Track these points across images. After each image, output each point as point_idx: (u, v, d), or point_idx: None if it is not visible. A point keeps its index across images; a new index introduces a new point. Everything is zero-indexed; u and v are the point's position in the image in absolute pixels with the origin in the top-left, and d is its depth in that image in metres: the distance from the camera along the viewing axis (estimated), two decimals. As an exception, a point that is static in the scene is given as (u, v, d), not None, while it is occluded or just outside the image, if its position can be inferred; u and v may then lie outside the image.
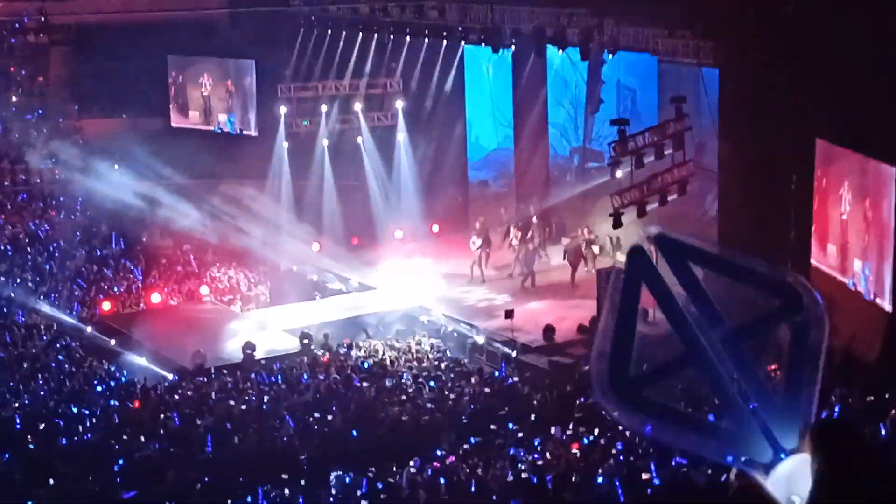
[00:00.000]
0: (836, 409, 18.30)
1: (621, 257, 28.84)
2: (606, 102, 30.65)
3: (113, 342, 25.45)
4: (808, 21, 22.46)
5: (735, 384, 5.35)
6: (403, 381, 22.33)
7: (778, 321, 5.00)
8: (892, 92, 20.47)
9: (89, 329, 26.25)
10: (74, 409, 20.86)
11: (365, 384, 21.91)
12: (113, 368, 24.00)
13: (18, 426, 20.35)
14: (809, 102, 23.01)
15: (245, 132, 35.93)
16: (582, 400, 20.71)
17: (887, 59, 20.55)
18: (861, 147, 21.31)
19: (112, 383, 22.84)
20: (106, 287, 28.99)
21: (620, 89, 29.98)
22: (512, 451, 18.22)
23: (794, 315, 4.86)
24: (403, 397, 21.22)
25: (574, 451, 18.07)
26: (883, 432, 16.80)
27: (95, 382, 22.70)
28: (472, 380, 22.30)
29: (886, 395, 18.31)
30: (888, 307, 20.50)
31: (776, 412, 5.36)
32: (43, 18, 30.04)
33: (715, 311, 5.00)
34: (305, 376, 22.70)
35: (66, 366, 23.59)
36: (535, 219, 30.58)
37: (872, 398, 18.46)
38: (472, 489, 16.94)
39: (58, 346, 24.93)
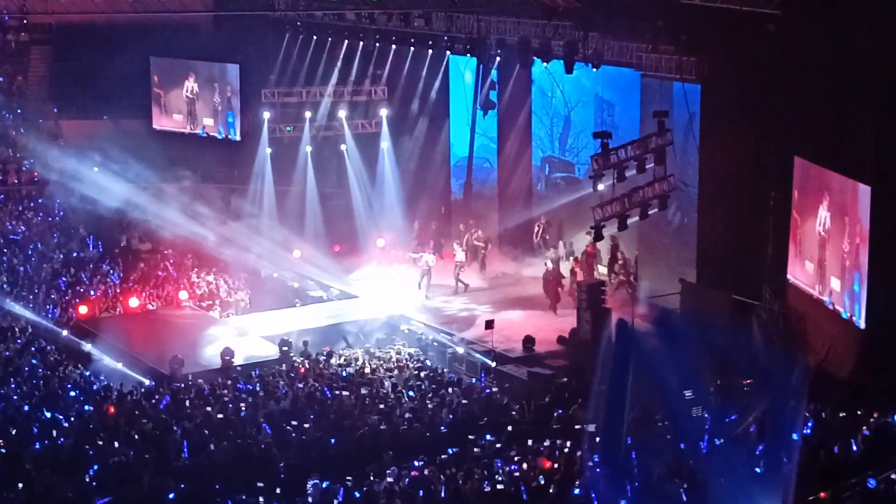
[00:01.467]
0: (809, 425, 18.43)
1: (603, 269, 29.13)
2: (584, 116, 30.70)
3: (89, 346, 25.28)
4: (788, 40, 22.62)
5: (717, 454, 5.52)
6: (383, 389, 22.33)
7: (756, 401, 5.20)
8: (870, 112, 20.67)
9: (65, 332, 26.06)
10: (48, 414, 20.71)
11: (344, 392, 21.89)
12: (88, 373, 23.84)
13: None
14: (789, 120, 23.20)
15: (228, 137, 35.85)
16: (560, 412, 20.79)
17: (866, 79, 20.74)
18: (838, 166, 21.48)
19: (87, 388, 22.69)
20: (83, 290, 28.82)
21: (599, 102, 30.08)
22: (488, 462, 18.28)
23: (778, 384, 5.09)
24: (382, 406, 21.22)
25: (550, 462, 18.14)
26: (854, 448, 16.95)
27: (70, 387, 22.53)
28: (451, 389, 22.32)
29: (858, 412, 18.46)
30: (862, 324, 20.66)
31: (758, 481, 5.51)
32: (24, 18, 29.74)
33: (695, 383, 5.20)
34: (283, 384, 22.66)
35: (41, 369, 23.39)
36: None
37: (844, 414, 18.60)
38: (449, 499, 16.97)
39: (32, 349, 24.71)
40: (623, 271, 28.59)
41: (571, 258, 29.77)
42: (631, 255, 29.25)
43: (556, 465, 18.05)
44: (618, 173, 25.11)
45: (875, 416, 18.19)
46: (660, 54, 25.97)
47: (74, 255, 31.25)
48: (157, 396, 22.04)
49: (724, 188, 25.25)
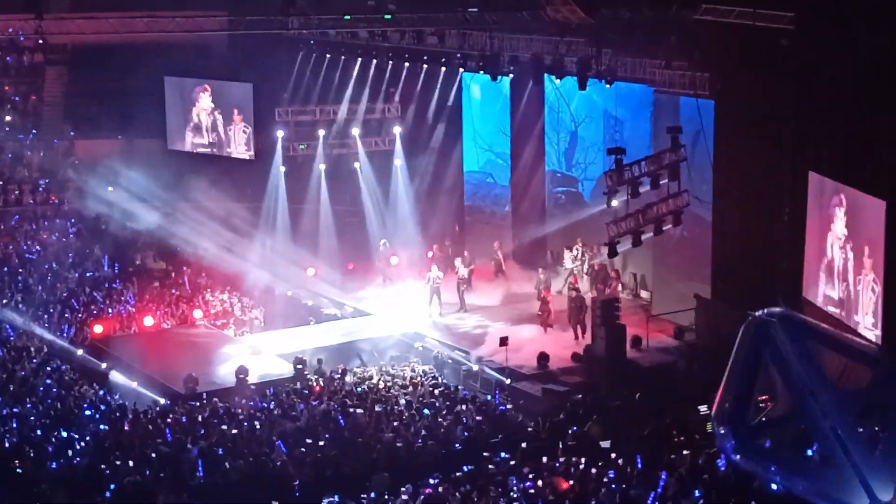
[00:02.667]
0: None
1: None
2: (592, 131, 30.70)
3: (104, 365, 25.32)
4: (802, 54, 22.60)
5: (839, 440, 5.69)
6: (397, 407, 22.29)
7: (879, 394, 5.30)
8: (885, 126, 20.62)
9: (80, 352, 26.11)
10: (64, 433, 20.75)
11: (359, 410, 21.87)
12: (103, 392, 23.89)
13: (7, 450, 20.25)
14: (803, 135, 23.16)
15: (247, 156, 35.95)
16: (574, 428, 20.72)
17: (880, 93, 20.69)
18: (853, 181, 21.41)
19: (102, 407, 22.72)
20: (98, 310, 28.90)
21: (607, 119, 30.09)
22: (503, 479, 18.23)
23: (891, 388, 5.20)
24: (397, 423, 21.19)
25: (567, 480, 18.08)
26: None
27: (85, 406, 22.58)
28: (465, 407, 22.28)
29: (875, 429, 18.32)
30: (878, 338, 20.56)
31: (874, 467, 5.67)
32: (40, 38, 29.99)
33: (824, 378, 5.33)
34: (299, 401, 22.64)
35: (56, 389, 23.44)
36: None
37: (861, 430, 18.47)
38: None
39: (48, 368, 24.76)
40: (614, 288, 28.19)
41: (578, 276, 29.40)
42: (639, 272, 29.17)
43: (572, 483, 18.01)
44: (632, 189, 25.07)
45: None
46: (673, 70, 25.97)
47: (89, 274, 31.33)
48: (171, 415, 22.06)
49: (739, 203, 25.18)
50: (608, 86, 27.10)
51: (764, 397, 20.79)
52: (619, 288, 28.44)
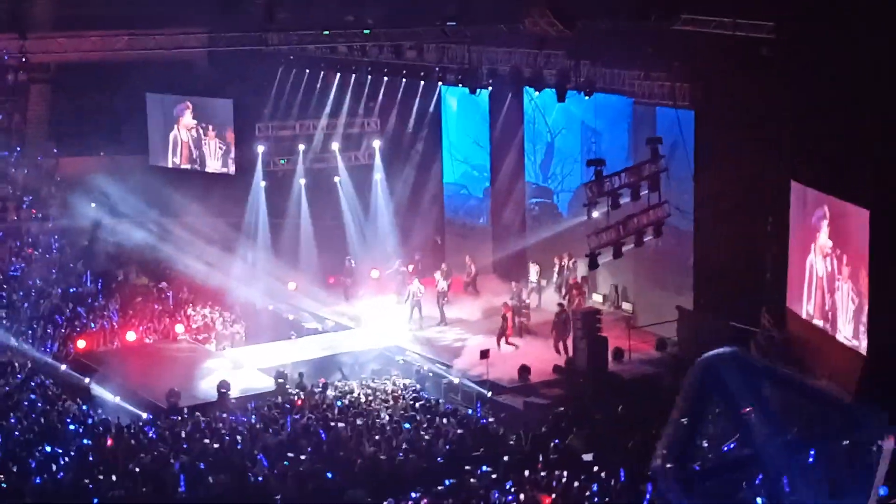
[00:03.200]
0: (812, 452, 18.30)
1: (597, 297, 29.02)
2: (569, 143, 30.76)
3: (87, 380, 25.28)
4: (782, 64, 22.67)
5: (789, 488, 5.64)
6: (379, 421, 22.23)
7: (838, 438, 5.27)
8: (867, 135, 20.66)
9: (63, 367, 26.05)
10: (48, 448, 20.65)
11: (340, 424, 21.80)
12: (87, 407, 23.82)
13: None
14: (784, 144, 23.20)
15: (223, 171, 35.91)
16: (556, 441, 20.68)
17: (862, 102, 20.75)
18: (836, 190, 21.44)
19: (86, 421, 22.64)
20: (81, 325, 28.80)
21: (585, 130, 30.16)
22: (485, 493, 18.17)
23: (852, 435, 5.20)
24: (378, 437, 21.12)
25: (549, 493, 18.03)
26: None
27: (69, 421, 22.50)
28: (447, 420, 22.22)
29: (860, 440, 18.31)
30: (864, 350, 20.55)
31: None
32: (23, 57, 30.04)
33: (779, 424, 5.30)
34: (280, 415, 22.57)
35: (40, 404, 23.36)
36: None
37: (847, 441, 18.45)
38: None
39: (32, 384, 24.69)
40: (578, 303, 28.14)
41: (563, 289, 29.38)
42: (621, 283, 29.17)
43: (554, 497, 17.95)
44: (612, 201, 25.11)
45: (879, 442, 18.05)
46: (652, 81, 26.03)
47: (73, 290, 31.25)
48: (154, 430, 21.97)
49: (721, 214, 25.22)
50: (587, 97, 27.19)
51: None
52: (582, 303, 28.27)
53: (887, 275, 20.16)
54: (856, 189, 20.86)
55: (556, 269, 30.14)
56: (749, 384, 4.96)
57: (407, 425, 21.74)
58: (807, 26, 22.00)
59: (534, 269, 30.26)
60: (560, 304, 27.47)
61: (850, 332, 21.03)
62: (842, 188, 21.27)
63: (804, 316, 22.73)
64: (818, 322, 22.22)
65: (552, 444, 20.62)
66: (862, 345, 20.62)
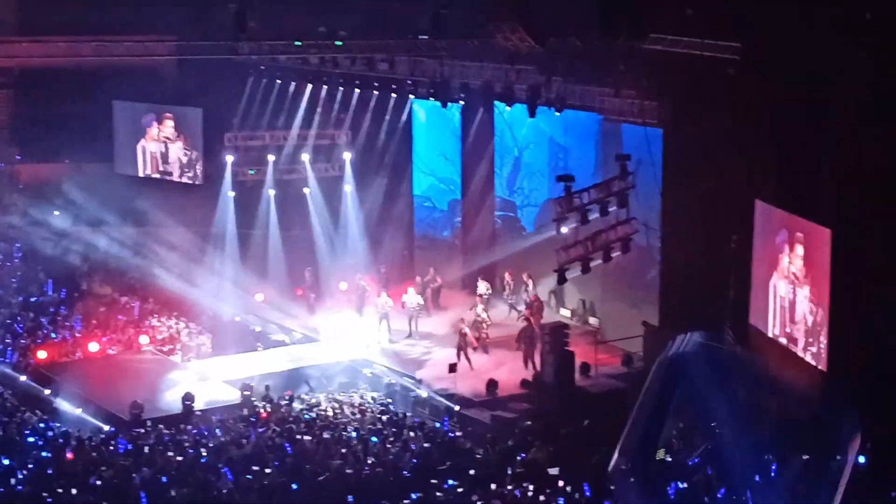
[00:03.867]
0: (773, 468, 18.48)
1: (565, 312, 29.07)
2: (538, 158, 30.86)
3: (47, 392, 24.99)
4: (748, 84, 22.87)
5: (749, 483, 5.49)
6: (345, 434, 22.16)
7: (806, 440, 5.20)
8: (829, 155, 20.91)
9: (23, 378, 25.76)
10: (6, 461, 20.41)
11: (306, 437, 21.72)
12: (47, 419, 23.57)
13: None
14: (749, 163, 23.41)
15: (191, 180, 35.75)
16: (523, 455, 20.71)
17: (826, 122, 21.00)
18: (799, 209, 21.67)
19: (46, 434, 22.40)
20: (42, 335, 28.52)
21: (552, 145, 30.29)
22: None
23: (821, 436, 5.12)
24: (345, 450, 21.06)
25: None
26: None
27: (28, 433, 22.26)
28: (414, 433, 22.19)
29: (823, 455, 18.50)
30: (823, 366, 20.75)
31: None
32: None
33: (742, 418, 5.20)
34: (245, 428, 22.44)
35: (-2, 416, 23.15)
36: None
37: (808, 456, 18.64)
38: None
39: (-10, 394, 24.48)
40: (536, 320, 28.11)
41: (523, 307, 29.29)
42: (588, 299, 29.25)
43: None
44: (581, 216, 25.19)
45: (838, 457, 18.24)
46: (622, 98, 26.18)
47: (34, 299, 30.95)
48: (114, 442, 21.78)
49: (686, 231, 25.38)
50: (557, 113, 27.30)
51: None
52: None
53: (848, 292, 20.40)
54: (818, 208, 21.10)
55: (508, 285, 30.13)
56: (718, 381, 4.87)
57: (374, 439, 21.70)
58: (772, 47, 22.23)
59: (483, 285, 30.25)
60: (527, 319, 27.50)
61: (812, 349, 21.20)
62: (805, 207, 21.51)
63: (767, 333, 22.90)
64: (780, 339, 22.40)
65: (519, 458, 20.66)
66: (822, 363, 20.81)
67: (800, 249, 21.73)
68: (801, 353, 21.64)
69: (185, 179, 35.72)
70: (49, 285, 31.81)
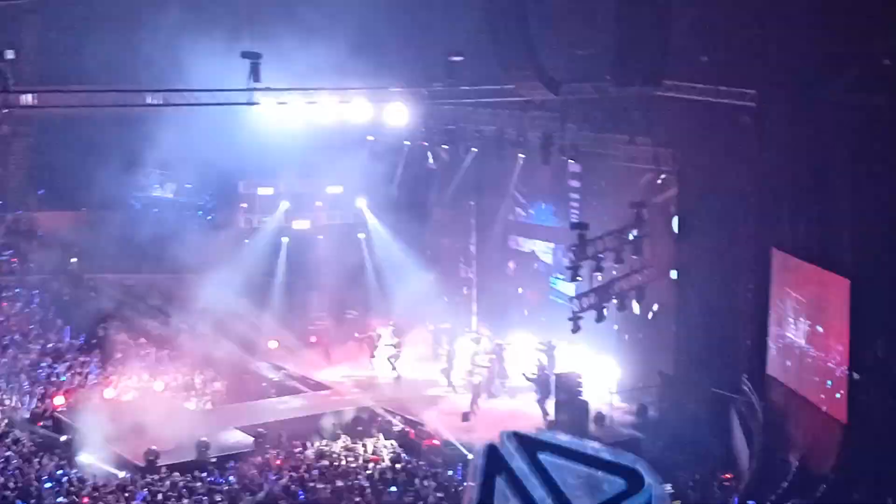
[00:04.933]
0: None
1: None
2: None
3: (64, 438, 24.98)
4: (764, 131, 22.89)
5: None
6: (357, 482, 22.04)
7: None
8: (846, 205, 20.83)
9: (40, 424, 25.77)
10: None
11: (319, 485, 21.60)
12: (63, 464, 23.54)
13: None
14: (766, 211, 23.36)
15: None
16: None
17: (842, 171, 20.94)
18: (816, 259, 21.56)
19: (62, 480, 22.36)
20: (60, 381, 28.54)
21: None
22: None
23: (637, 496, 5.10)
24: (359, 499, 20.94)
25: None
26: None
27: (45, 479, 22.23)
28: (427, 482, 22.04)
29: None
30: (844, 418, 20.54)
31: None
32: (6, 109, 30.04)
33: (565, 497, 5.17)
34: (259, 475, 22.35)
35: (15, 461, 23.08)
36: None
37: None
38: None
39: (7, 440, 24.42)
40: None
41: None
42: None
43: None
44: (596, 264, 25.15)
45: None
46: (637, 146, 26.19)
47: (51, 345, 31.01)
48: (130, 488, 21.71)
49: (702, 279, 25.30)
50: (571, 161, 27.30)
51: (728, 476, 20.88)
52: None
53: (867, 342, 20.25)
54: (836, 258, 21.00)
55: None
56: (527, 458, 4.78)
57: (393, 488, 21.54)
58: (787, 95, 22.24)
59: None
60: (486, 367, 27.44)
61: (831, 400, 21.02)
62: (822, 257, 21.41)
63: (784, 383, 22.73)
64: (799, 389, 22.22)
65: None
66: (842, 413, 20.61)
67: (818, 299, 21.59)
68: (819, 405, 21.44)
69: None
70: (66, 332, 31.86)
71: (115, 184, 36.30)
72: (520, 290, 31.99)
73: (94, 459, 23.94)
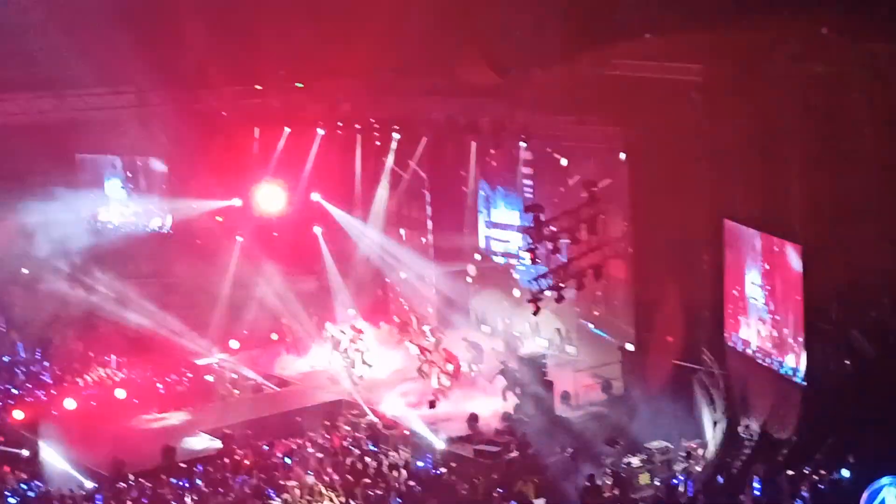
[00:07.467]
0: (758, 486, 18.54)
1: (542, 342, 29.08)
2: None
3: (25, 452, 24.73)
4: (712, 105, 23.06)
5: None
6: (327, 476, 22.04)
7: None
8: (795, 173, 21.08)
9: (0, 439, 25.50)
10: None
11: (290, 482, 21.59)
12: (26, 478, 23.32)
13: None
14: (717, 184, 23.54)
15: (159, 229, 35.65)
16: (500, 490, 20.70)
17: (790, 140, 21.18)
18: (768, 227, 21.82)
19: (26, 494, 22.17)
20: (17, 394, 28.25)
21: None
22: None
23: None
24: (332, 493, 20.97)
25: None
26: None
27: (8, 494, 22.03)
28: (397, 473, 22.09)
29: (805, 471, 18.57)
30: (801, 381, 20.85)
31: None
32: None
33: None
34: (228, 477, 22.28)
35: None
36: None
37: (792, 473, 18.70)
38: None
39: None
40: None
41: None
42: (564, 327, 29.15)
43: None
44: (552, 245, 25.22)
45: (822, 473, 18.32)
46: (586, 126, 26.29)
47: (6, 359, 30.69)
48: (97, 498, 21.59)
49: (657, 255, 25.47)
50: (524, 144, 27.35)
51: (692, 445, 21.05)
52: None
53: (821, 308, 20.54)
54: (787, 225, 21.26)
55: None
56: None
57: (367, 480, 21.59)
58: (734, 68, 22.43)
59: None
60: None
61: (790, 364, 21.30)
62: (774, 225, 21.66)
63: (742, 348, 23.01)
64: (757, 357, 22.50)
65: (502, 492, 20.60)
66: (799, 377, 20.92)
67: (771, 267, 21.86)
68: (777, 369, 21.73)
69: (154, 228, 35.60)
70: (20, 346, 31.52)
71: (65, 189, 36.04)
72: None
73: (58, 470, 23.73)
